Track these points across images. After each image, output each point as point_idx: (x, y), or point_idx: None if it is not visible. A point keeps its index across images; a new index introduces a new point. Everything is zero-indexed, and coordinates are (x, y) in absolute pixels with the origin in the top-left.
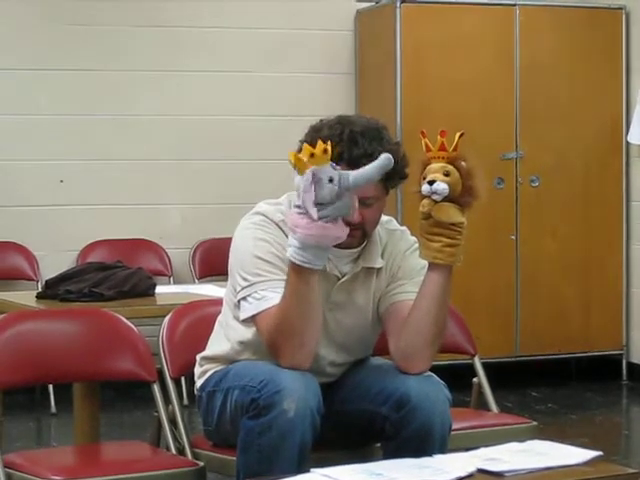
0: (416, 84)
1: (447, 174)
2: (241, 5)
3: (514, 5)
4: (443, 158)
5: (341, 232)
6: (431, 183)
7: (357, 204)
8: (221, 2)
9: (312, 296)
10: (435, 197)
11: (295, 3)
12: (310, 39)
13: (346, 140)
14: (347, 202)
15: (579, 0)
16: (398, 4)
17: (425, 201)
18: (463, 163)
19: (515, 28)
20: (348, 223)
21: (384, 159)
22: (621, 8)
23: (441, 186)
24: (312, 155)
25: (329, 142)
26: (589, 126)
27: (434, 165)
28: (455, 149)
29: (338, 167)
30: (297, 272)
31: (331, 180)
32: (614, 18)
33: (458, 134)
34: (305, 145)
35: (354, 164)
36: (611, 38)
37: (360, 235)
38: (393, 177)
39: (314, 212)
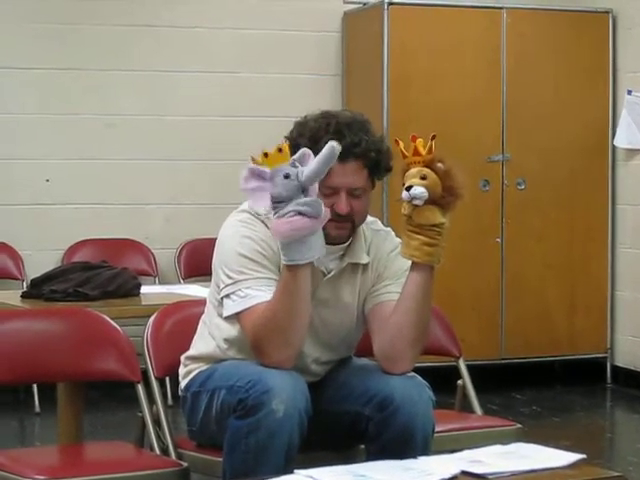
0: (403, 86)
1: (424, 177)
2: (229, 6)
3: (501, 8)
4: (419, 162)
5: (312, 223)
6: (409, 189)
7: (344, 196)
8: (209, 2)
9: (300, 293)
10: (416, 202)
11: (283, 4)
12: (298, 40)
13: (332, 132)
14: (313, 196)
15: (566, 3)
16: (386, 6)
17: (405, 204)
18: (440, 165)
19: (502, 31)
20: (337, 215)
21: (328, 147)
22: (607, 12)
23: (418, 190)
24: (266, 155)
25: (287, 142)
26: (575, 129)
27: (411, 171)
28: (430, 152)
29: (298, 165)
30: (287, 269)
31: (287, 177)
32: (601, 22)
33: (430, 137)
34: (266, 149)
35: (343, 155)
36: (598, 41)
37: (350, 227)
38: (378, 169)
39: (260, 210)
